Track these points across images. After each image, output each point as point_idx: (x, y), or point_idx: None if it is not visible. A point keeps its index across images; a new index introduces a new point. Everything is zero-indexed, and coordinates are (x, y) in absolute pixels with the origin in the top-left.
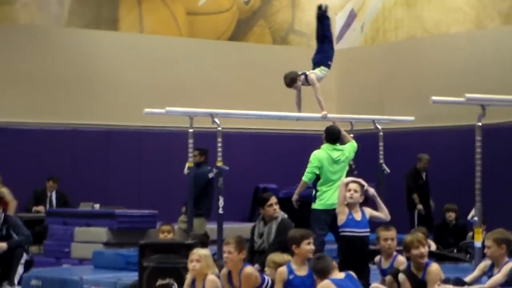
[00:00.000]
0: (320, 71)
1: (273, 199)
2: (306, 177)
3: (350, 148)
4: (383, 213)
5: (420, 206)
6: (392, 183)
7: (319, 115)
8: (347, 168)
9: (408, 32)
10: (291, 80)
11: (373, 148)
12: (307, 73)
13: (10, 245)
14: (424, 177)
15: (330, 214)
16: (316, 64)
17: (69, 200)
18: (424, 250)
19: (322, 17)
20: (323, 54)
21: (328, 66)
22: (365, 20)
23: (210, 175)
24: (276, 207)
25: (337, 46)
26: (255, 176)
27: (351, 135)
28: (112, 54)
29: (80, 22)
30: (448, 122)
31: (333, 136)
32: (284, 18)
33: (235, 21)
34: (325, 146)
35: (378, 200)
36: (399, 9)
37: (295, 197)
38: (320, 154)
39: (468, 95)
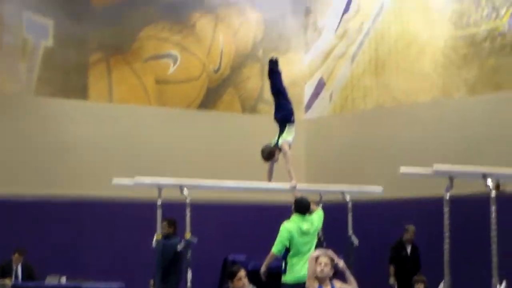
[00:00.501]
0: (288, 133)
1: (242, 273)
2: (275, 249)
3: (318, 218)
4: (352, 287)
5: (392, 280)
6: (361, 254)
7: (288, 185)
8: (316, 238)
9: (377, 100)
10: (268, 155)
11: (341, 219)
12: (279, 144)
13: None
14: (408, 249)
15: (300, 287)
16: (281, 122)
17: (34, 273)
18: None
19: (273, 71)
20: (285, 112)
21: (293, 121)
22: (334, 88)
23: (179, 247)
24: (245, 280)
25: (306, 115)
26: (224, 247)
27: (320, 204)
28: (82, 123)
29: (49, 90)
30: (417, 192)
31: (303, 207)
32: (253, 86)
33: (204, 89)
34: (295, 217)
35: (348, 273)
36: (368, 78)
37: (263, 269)
38: (290, 226)
39: (435, 166)
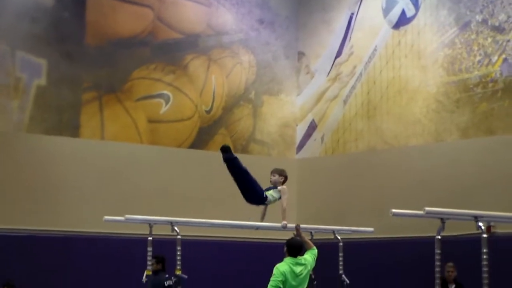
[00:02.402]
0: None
1: None
2: None
3: (311, 258)
4: None
5: None
6: None
7: (279, 224)
8: (308, 279)
9: (368, 144)
10: (285, 172)
11: (332, 258)
12: (279, 188)
13: None
14: None
15: None
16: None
17: None
18: None
19: (230, 160)
20: (256, 196)
21: (267, 203)
22: (326, 130)
23: (167, 283)
24: None
25: (297, 156)
26: (214, 284)
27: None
28: (73, 160)
29: (41, 128)
30: (408, 233)
31: (295, 249)
32: (245, 127)
33: (196, 129)
34: (288, 260)
35: None
36: (359, 121)
37: None
38: (283, 268)
39: (427, 208)
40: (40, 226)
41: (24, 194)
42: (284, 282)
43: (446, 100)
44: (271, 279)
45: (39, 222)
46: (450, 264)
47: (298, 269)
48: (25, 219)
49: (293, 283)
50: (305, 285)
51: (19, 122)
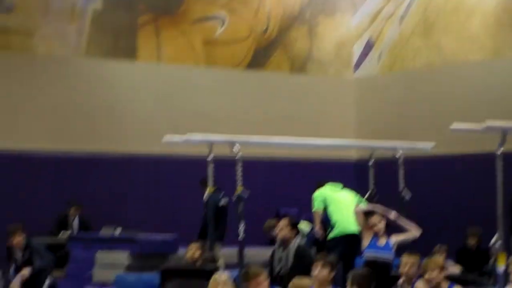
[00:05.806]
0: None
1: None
2: (315, 207)
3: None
4: (411, 231)
5: None
6: (412, 209)
7: (337, 140)
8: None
9: (425, 61)
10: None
11: (392, 175)
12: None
13: (34, 269)
14: None
15: (347, 239)
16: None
17: (91, 226)
18: (434, 274)
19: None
20: None
21: None
22: (383, 49)
23: (221, 203)
24: (286, 229)
25: (354, 75)
26: (275, 202)
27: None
28: (131, 83)
29: (98, 51)
30: (468, 148)
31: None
32: (301, 46)
33: (252, 50)
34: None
35: (402, 220)
36: (417, 38)
37: (319, 232)
38: (320, 190)
39: (488, 122)
40: (101, 148)
41: (83, 117)
42: (326, 199)
43: (505, 15)
44: (314, 202)
45: (98, 144)
46: None
47: (335, 188)
48: (84, 141)
49: (335, 196)
50: (351, 197)
51: (77, 46)
